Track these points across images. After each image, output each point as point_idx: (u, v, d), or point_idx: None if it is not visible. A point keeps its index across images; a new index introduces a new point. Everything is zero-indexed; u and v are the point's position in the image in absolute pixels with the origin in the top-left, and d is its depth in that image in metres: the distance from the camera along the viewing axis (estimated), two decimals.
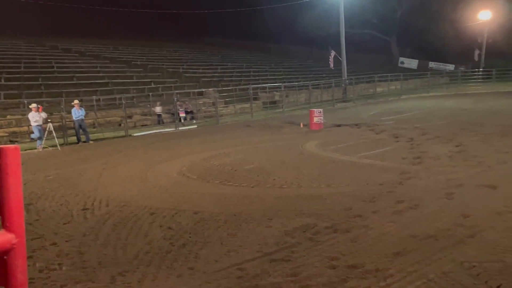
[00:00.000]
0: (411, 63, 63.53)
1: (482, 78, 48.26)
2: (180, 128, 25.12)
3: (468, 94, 38.93)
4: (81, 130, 21.06)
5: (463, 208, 7.86)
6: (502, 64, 52.46)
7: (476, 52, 57.49)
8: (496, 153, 12.53)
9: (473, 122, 19.17)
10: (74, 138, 21.32)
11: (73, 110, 20.93)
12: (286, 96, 35.87)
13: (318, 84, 40.31)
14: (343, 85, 39.73)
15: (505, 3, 54.35)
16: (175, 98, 27.08)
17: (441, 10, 57.90)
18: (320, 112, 20.70)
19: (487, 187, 9.14)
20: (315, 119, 20.48)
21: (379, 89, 44.55)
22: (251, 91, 30.89)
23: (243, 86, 35.22)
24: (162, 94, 32.14)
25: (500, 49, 56.16)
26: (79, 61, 38.36)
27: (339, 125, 21.15)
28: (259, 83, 38.61)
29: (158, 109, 28.46)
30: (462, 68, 55.12)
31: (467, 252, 6.06)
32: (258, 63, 53.13)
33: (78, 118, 20.83)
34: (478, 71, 50.23)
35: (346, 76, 39.85)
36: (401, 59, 64.79)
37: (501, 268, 5.55)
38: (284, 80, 40.48)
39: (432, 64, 62.47)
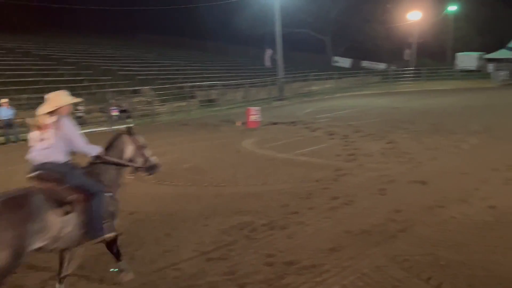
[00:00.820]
0: (345, 62, 64.87)
1: (413, 77, 49.87)
2: (114, 128, 24.54)
3: (399, 92, 40.10)
4: (10, 130, 20.22)
5: (395, 203, 8.10)
6: (432, 63, 54.50)
7: (407, 51, 59.38)
8: (426, 149, 12.99)
9: (404, 120, 19.78)
10: (2, 138, 20.44)
11: (1, 109, 20.07)
12: (223, 94, 35.82)
13: (255, 83, 40.47)
14: (279, 83, 40.05)
15: (434, 4, 56.43)
16: (109, 97, 26.44)
17: (373, 11, 59.41)
18: (257, 110, 20.78)
19: (418, 182, 9.47)
20: (252, 117, 20.52)
21: (314, 88, 45.21)
22: (188, 89, 30.59)
23: (180, 84, 34.80)
24: (95, 93, 31.32)
25: (430, 49, 58.28)
26: (8, 58, 36.79)
27: (275, 123, 21.30)
28: (196, 81, 38.34)
29: (79, 108, 27.34)
30: (394, 67, 56.75)
31: (399, 246, 6.25)
32: (195, 61, 52.68)
33: (6, 118, 20.00)
34: (409, 70, 51.88)
35: (282, 75, 40.19)
36: (335, 58, 66.04)
37: (432, 261, 5.75)
38: (221, 78, 40.37)
39: (365, 63, 64.04)
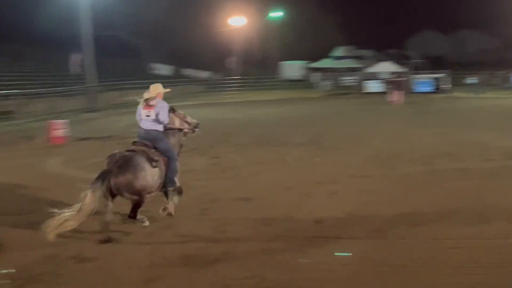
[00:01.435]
0: (165, 70, 65.07)
1: (238, 87, 51.71)
2: None
3: (224, 103, 41.25)
4: None
5: (219, 223, 8.34)
6: (257, 72, 56.98)
7: (231, 59, 61.41)
8: (250, 164, 13.59)
9: (228, 133, 20.45)
10: None
11: None
12: (22, 105, 33.81)
13: (61, 92, 38.82)
14: (90, 93, 38.90)
15: (259, 10, 59.13)
16: None
17: (194, 14, 60.48)
18: (63, 124, 19.99)
19: (242, 199, 9.88)
20: (57, 132, 19.67)
21: (131, 98, 44.78)
22: None
23: None
24: None
25: (256, 57, 60.93)
26: None
27: (86, 139, 20.67)
28: None
29: None
30: (218, 76, 58.30)
31: (223, 270, 6.44)
32: None
33: None
34: (234, 79, 53.65)
35: (94, 83, 39.14)
36: (154, 65, 65.94)
37: (257, 283, 6.03)
38: (19, 87, 38.07)
39: (187, 71, 64.79)
